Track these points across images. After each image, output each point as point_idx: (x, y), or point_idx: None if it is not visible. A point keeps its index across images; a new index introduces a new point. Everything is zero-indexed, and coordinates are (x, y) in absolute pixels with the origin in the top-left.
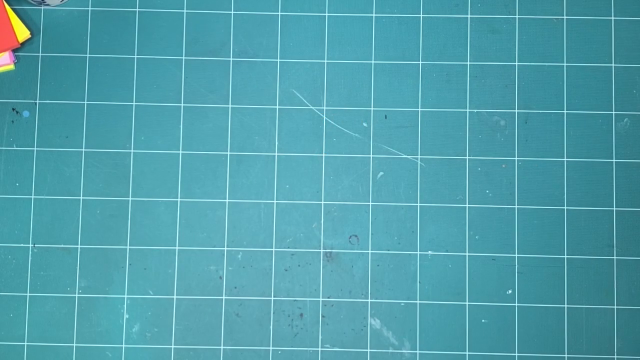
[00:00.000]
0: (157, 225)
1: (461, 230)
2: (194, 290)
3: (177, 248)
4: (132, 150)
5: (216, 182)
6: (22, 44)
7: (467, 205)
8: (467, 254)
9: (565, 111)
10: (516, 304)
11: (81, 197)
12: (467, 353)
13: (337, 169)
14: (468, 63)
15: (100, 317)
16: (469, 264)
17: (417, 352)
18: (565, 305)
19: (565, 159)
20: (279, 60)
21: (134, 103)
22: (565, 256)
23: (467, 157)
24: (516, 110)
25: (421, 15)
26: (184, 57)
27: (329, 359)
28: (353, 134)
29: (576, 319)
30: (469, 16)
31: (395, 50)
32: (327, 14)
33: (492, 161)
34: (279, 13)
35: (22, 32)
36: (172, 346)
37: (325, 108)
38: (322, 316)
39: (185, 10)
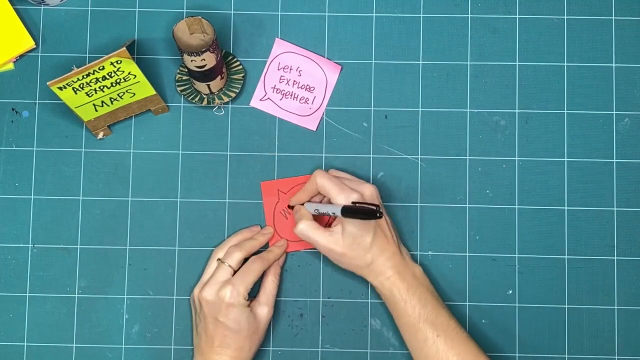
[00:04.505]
0: (157, 225)
1: (461, 230)
2: None
3: (177, 248)
4: (132, 150)
5: (216, 182)
6: None
7: (467, 205)
8: (467, 254)
9: (565, 111)
10: (516, 304)
11: (81, 197)
12: None
13: (337, 169)
14: (468, 63)
15: (100, 317)
16: (469, 264)
17: None
18: (566, 306)
19: (565, 159)
20: None
21: None
22: (566, 256)
23: (468, 157)
24: (516, 110)
25: (421, 15)
26: None
27: (329, 359)
28: (353, 134)
29: (577, 319)
30: (469, 16)
31: (396, 50)
32: (327, 14)
33: (493, 161)
34: (279, 13)
35: (26, 42)
36: (172, 346)
37: (325, 108)
38: (322, 316)
39: (185, 10)
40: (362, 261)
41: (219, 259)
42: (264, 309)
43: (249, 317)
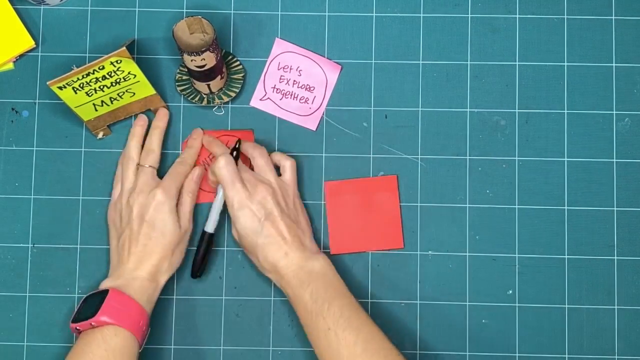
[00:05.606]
0: None
1: (461, 230)
2: (194, 290)
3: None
4: None
5: None
6: None
7: (467, 205)
8: (467, 254)
9: (565, 111)
10: (516, 304)
11: (81, 197)
12: (467, 353)
13: (337, 169)
14: (468, 63)
15: None
16: (469, 264)
17: (417, 352)
18: (566, 306)
19: (565, 159)
20: None
21: None
22: (566, 256)
23: (468, 157)
24: (516, 110)
25: (421, 15)
26: None
27: None
28: (353, 133)
29: (577, 319)
30: (469, 16)
31: (396, 50)
32: (327, 14)
33: (493, 161)
34: (279, 13)
35: (26, 42)
36: (172, 346)
37: (325, 108)
38: None
39: (185, 10)
40: (252, 246)
41: (138, 164)
42: (184, 222)
43: (175, 223)
